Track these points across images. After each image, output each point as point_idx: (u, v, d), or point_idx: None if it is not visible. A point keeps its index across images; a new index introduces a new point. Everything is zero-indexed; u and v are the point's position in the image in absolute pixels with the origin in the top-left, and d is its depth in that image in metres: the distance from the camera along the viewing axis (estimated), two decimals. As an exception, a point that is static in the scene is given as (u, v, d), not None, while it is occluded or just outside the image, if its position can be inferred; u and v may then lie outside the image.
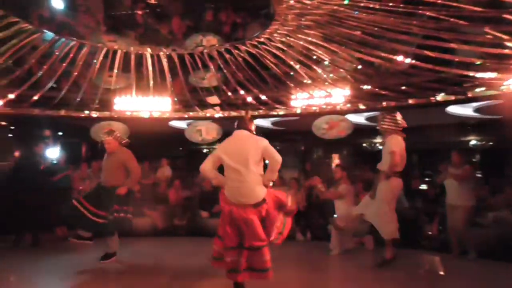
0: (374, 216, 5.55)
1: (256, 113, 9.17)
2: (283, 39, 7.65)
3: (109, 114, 9.27)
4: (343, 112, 8.66)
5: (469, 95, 7.30)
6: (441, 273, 5.16)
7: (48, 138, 10.54)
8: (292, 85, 8.78)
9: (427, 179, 9.49)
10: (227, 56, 8.41)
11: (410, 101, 7.95)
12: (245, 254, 3.93)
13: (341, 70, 8.24)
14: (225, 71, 8.80)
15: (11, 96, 8.21)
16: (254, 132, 4.25)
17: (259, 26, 8.59)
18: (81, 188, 7.91)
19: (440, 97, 7.64)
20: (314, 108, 8.83)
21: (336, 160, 12.15)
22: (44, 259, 6.08)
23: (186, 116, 9.65)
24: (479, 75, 6.65)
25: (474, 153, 11.66)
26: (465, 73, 6.77)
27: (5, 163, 8.85)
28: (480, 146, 11.59)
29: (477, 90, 7.14)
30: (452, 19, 5.73)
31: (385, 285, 5.05)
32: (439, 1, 5.56)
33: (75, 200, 5.61)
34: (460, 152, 6.39)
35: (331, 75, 8.45)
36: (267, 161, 4.13)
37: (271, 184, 4.19)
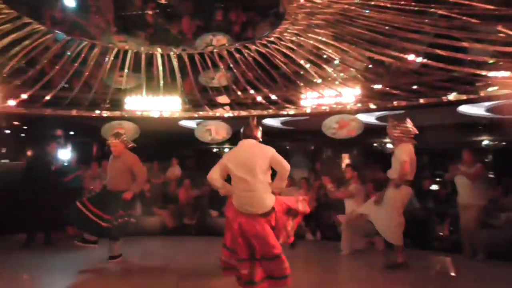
0: (381, 221, 5.54)
1: (265, 112, 9.17)
2: (293, 38, 7.63)
3: (120, 113, 9.33)
4: (353, 112, 8.62)
5: (482, 94, 7.21)
6: (452, 274, 5.11)
7: (60, 138, 10.65)
8: (302, 84, 8.76)
9: (438, 179, 9.40)
10: (237, 55, 8.42)
11: (421, 101, 7.88)
12: (262, 264, 3.87)
13: (352, 69, 8.20)
14: (235, 70, 8.82)
15: (24, 96, 8.30)
16: (261, 139, 4.21)
17: (269, 25, 8.59)
18: (91, 187, 7.97)
19: (452, 96, 7.56)
20: (324, 107, 8.79)
21: (346, 160, 12.09)
22: (55, 257, 6.14)
23: (196, 115, 9.68)
24: (491, 74, 6.57)
25: (486, 153, 11.52)
26: (477, 72, 6.70)
27: (17, 163, 8.97)
28: (493, 146, 11.45)
29: (490, 89, 7.04)
30: (464, 18, 5.67)
31: (396, 285, 5.01)
32: (451, -1, 5.51)
33: (79, 202, 5.53)
34: (471, 151, 6.30)
35: (341, 74, 8.41)
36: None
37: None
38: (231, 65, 8.72)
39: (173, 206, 8.59)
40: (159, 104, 9.30)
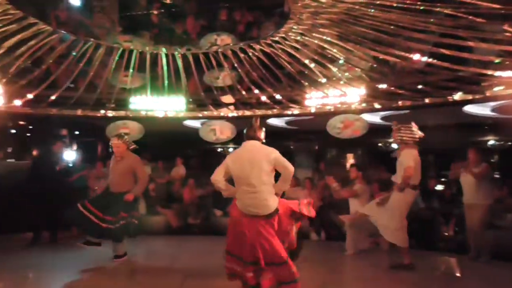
0: (383, 223, 5.54)
1: (270, 112, 9.16)
2: (298, 38, 7.62)
3: (125, 113, 9.36)
4: (358, 112, 8.58)
5: (487, 94, 7.16)
6: (458, 274, 5.09)
7: (65, 137, 10.70)
8: (306, 84, 8.74)
9: (443, 179, 9.36)
10: (242, 55, 8.42)
11: (427, 100, 7.83)
12: (271, 271, 3.83)
13: (357, 69, 8.18)
14: (239, 70, 8.82)
15: (30, 96, 8.35)
16: (264, 140, 4.18)
17: (273, 25, 8.58)
18: (96, 187, 8.00)
19: (458, 96, 7.51)
20: (328, 107, 8.76)
21: (350, 160, 12.07)
22: (60, 256, 6.19)
23: (200, 115, 9.69)
24: (497, 73, 6.53)
25: (492, 153, 11.46)
26: (483, 71, 6.65)
27: (23, 162, 9.03)
28: (498, 147, 11.39)
29: (496, 89, 6.99)
30: (470, 17, 5.64)
31: (400, 286, 5.00)
32: (457, -1, 5.49)
33: (80, 205, 5.51)
34: (477, 150, 6.28)
35: (346, 74, 8.38)
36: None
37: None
38: (236, 65, 8.72)
39: (178, 205, 8.62)
40: (164, 104, 9.32)
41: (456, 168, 6.30)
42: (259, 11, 9.51)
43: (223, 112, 9.52)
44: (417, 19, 6.06)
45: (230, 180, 4.13)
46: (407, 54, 7.01)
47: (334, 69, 8.30)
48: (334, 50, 7.72)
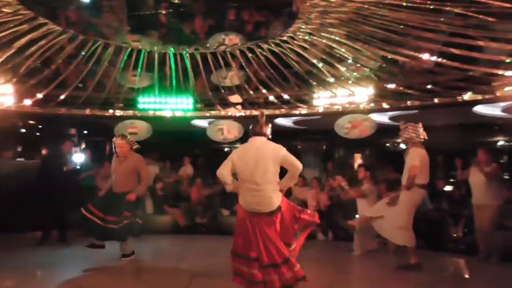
0: (389, 224, 5.52)
1: (277, 112, 9.15)
2: (306, 37, 7.60)
3: (133, 113, 9.40)
4: (366, 111, 8.54)
5: (498, 94, 7.09)
6: (466, 276, 5.05)
7: (74, 137, 10.77)
8: (314, 83, 8.72)
9: (452, 180, 9.28)
10: (249, 54, 8.42)
11: (436, 100, 7.77)
12: (275, 271, 3.80)
13: (365, 68, 8.14)
14: (247, 69, 8.82)
15: (39, 95, 8.42)
16: (270, 136, 4.15)
17: (281, 24, 8.57)
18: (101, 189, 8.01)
19: (467, 96, 7.45)
20: (337, 107, 8.73)
21: (358, 160, 12.01)
22: (68, 255, 6.23)
23: (208, 115, 9.70)
24: (508, 73, 6.46)
25: (501, 154, 11.34)
26: (494, 71, 6.59)
27: (32, 161, 9.10)
28: (508, 147, 11.26)
29: (506, 89, 6.92)
30: (480, 16, 5.59)
31: (408, 286, 4.98)
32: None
33: (83, 209, 5.46)
34: (487, 150, 6.24)
35: (354, 73, 8.35)
36: None
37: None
38: (244, 64, 8.72)
39: (185, 205, 8.64)
40: (172, 103, 9.34)
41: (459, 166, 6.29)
42: (268, 11, 9.50)
43: (231, 111, 9.53)
44: (426, 18, 6.02)
45: (235, 175, 4.11)
46: (416, 54, 6.97)
47: (343, 69, 8.27)
48: (343, 50, 7.69)
